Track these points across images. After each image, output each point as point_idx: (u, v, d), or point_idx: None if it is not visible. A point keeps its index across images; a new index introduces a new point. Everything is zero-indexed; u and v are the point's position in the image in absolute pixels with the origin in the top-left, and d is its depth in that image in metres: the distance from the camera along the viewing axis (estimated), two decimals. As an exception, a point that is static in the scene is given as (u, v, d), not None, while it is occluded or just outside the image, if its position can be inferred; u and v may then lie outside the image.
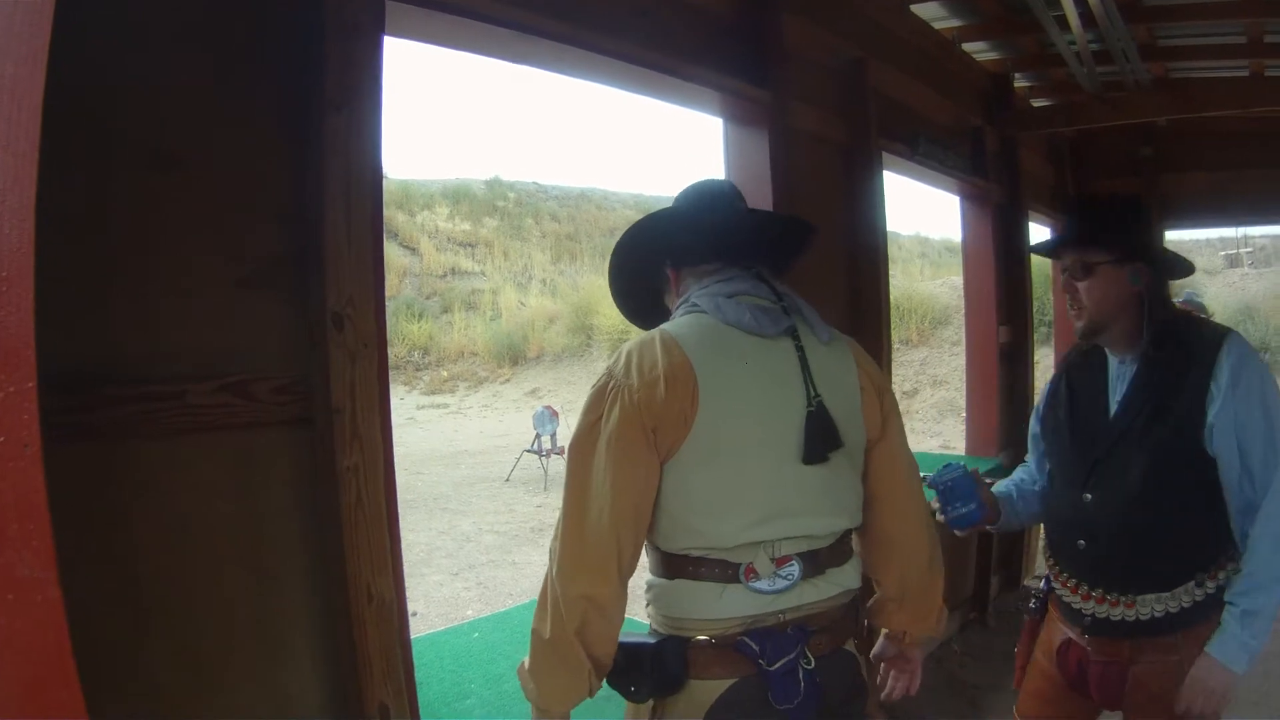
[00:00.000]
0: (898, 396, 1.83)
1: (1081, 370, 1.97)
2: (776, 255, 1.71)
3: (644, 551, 1.52)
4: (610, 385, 1.45)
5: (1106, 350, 1.91)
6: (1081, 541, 1.85)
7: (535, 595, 1.49)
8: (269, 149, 1.69)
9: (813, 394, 1.50)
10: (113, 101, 1.47)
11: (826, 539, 1.52)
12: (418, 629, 1.85)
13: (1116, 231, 1.83)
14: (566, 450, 1.54)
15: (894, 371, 3.62)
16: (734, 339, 1.50)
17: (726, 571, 1.45)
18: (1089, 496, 1.84)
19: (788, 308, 1.57)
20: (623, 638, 1.48)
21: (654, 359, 1.44)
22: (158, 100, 1.53)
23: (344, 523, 1.67)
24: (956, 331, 13.65)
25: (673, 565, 1.49)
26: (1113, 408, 1.86)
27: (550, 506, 9.20)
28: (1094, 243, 1.84)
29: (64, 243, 1.34)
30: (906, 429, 1.73)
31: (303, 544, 1.70)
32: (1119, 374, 1.88)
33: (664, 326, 1.54)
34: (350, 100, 1.71)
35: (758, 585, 1.45)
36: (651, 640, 1.49)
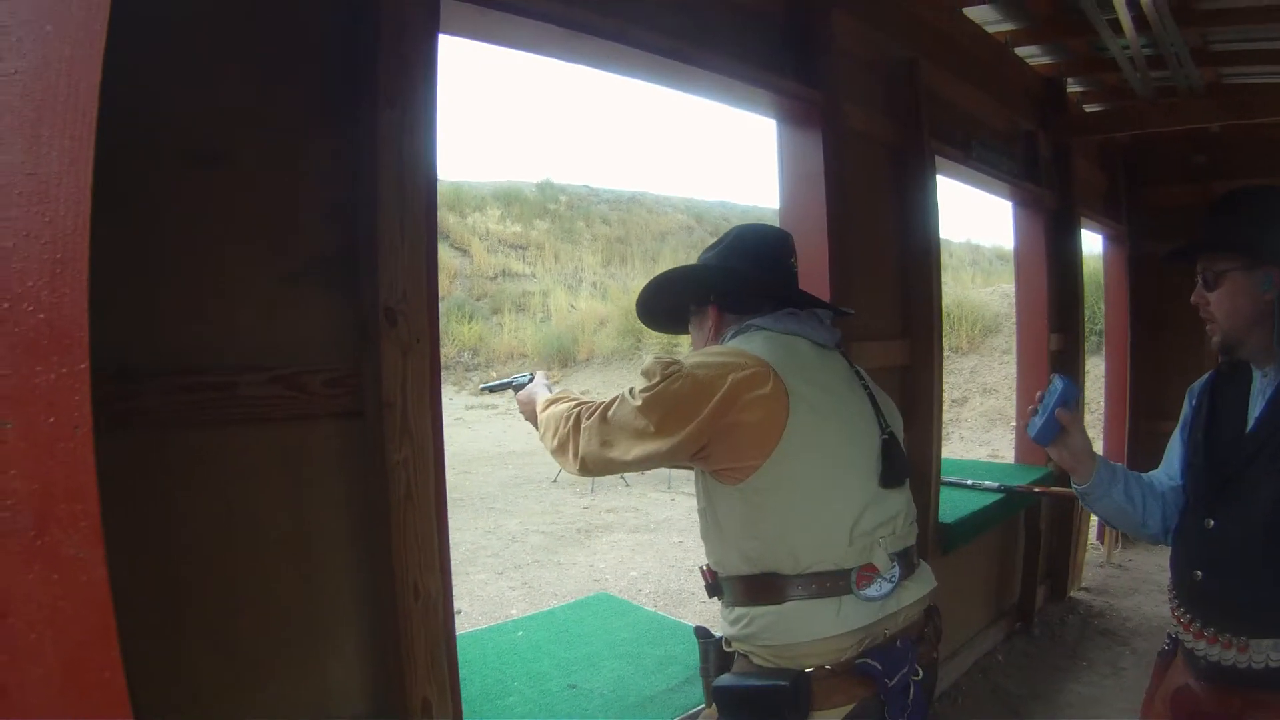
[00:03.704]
0: (946, 405, 1.83)
1: (1227, 384, 1.77)
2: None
3: (733, 592, 1.56)
4: (682, 371, 1.53)
5: (1251, 364, 1.71)
6: (1198, 572, 1.65)
7: (580, 596, 1.52)
8: (318, 144, 1.70)
9: (885, 425, 1.60)
10: (160, 97, 1.48)
11: (911, 533, 1.59)
12: (461, 626, 1.86)
13: (1243, 233, 1.63)
14: (635, 391, 1.58)
15: (944, 379, 3.58)
16: (799, 345, 1.60)
17: (839, 583, 1.46)
18: (1212, 522, 1.65)
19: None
20: (749, 680, 1.50)
21: (743, 363, 1.50)
22: (206, 95, 1.55)
23: (393, 517, 1.68)
24: (1007, 340, 13.43)
25: (779, 589, 1.48)
26: (1251, 425, 1.66)
27: (598, 509, 9.21)
28: (1220, 247, 1.66)
29: (113, 237, 1.35)
30: (956, 437, 1.81)
31: (350, 537, 1.71)
32: (1261, 388, 1.67)
33: (731, 342, 1.63)
34: (404, 96, 1.71)
35: (868, 592, 1.47)
36: (783, 681, 1.46)
